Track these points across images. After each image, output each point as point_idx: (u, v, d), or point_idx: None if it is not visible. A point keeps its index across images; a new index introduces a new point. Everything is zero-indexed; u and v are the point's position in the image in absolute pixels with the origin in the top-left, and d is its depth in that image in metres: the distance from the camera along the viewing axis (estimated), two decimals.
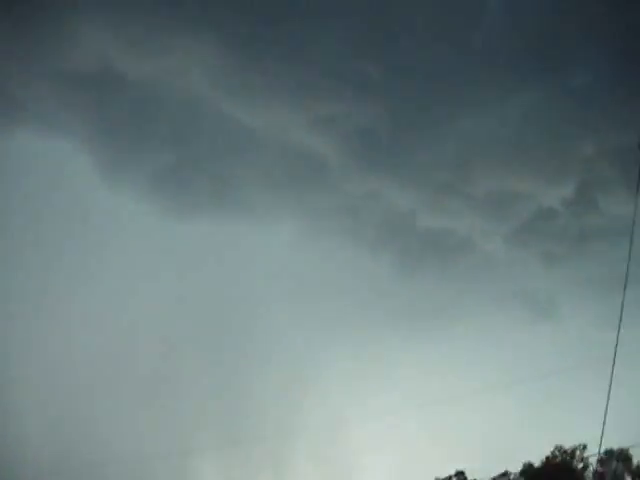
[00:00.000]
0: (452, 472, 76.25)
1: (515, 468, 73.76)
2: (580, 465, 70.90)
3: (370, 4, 62.42)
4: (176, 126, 76.41)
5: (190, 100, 74.28)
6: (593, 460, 69.55)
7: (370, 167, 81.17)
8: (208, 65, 69.01)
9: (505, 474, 74.30)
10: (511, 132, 75.69)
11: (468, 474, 75.80)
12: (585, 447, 68.78)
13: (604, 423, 10.17)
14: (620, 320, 9.19)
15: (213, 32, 63.89)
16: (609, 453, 69.24)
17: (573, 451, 70.23)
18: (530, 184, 79.76)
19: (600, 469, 70.03)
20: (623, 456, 69.15)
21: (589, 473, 70.76)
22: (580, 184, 77.16)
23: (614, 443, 65.48)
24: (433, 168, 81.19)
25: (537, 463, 72.09)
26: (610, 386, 9.57)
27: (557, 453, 71.06)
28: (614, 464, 70.35)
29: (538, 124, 74.00)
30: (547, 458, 71.11)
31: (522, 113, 75.08)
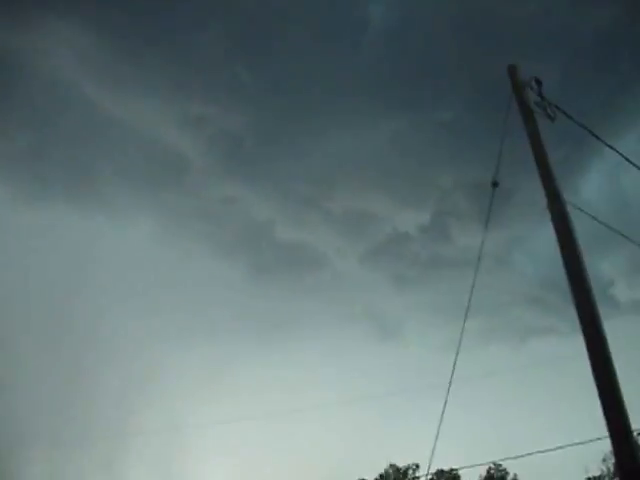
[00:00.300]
0: None
1: None
2: None
3: (253, 11, 62.09)
4: (37, 108, 72.45)
5: (56, 83, 70.61)
6: (425, 479, 72.00)
7: (233, 173, 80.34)
8: (79, 49, 65.95)
9: None
10: (376, 156, 77.68)
11: None
12: (418, 466, 70.96)
13: (435, 444, 10.17)
14: (459, 346, 9.20)
15: (89, 17, 61.30)
16: (439, 473, 71.84)
17: (406, 470, 72.30)
18: (389, 207, 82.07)
19: None
20: (452, 476, 71.96)
21: None
22: (436, 213, 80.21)
23: (445, 464, 68.09)
24: (296, 181, 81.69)
25: (371, 479, 73.68)
26: (444, 408, 9.57)
27: (390, 471, 72.93)
28: None
29: (402, 151, 76.41)
30: (380, 476, 72.84)
31: (388, 139, 77.27)
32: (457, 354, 9.25)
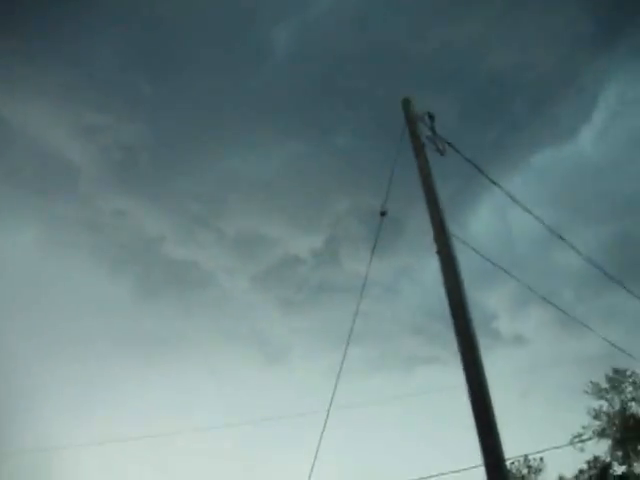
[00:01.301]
0: None
1: None
2: None
3: (156, 22, 61.11)
4: None
5: None
6: None
7: (125, 186, 78.28)
8: None
9: None
10: (272, 178, 77.80)
11: None
12: None
13: (311, 472, 10.13)
14: (339, 372, 9.23)
15: None
16: None
17: None
18: (282, 230, 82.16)
19: None
20: None
21: None
22: (329, 238, 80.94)
23: None
24: (189, 198, 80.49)
25: None
26: (321, 436, 9.56)
27: None
28: None
29: (298, 175, 76.86)
30: None
31: (285, 162, 77.66)
32: (337, 379, 9.29)
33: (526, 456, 59.95)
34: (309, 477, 9.82)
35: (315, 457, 9.71)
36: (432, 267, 8.58)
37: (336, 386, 9.32)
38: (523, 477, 62.88)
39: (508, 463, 8.02)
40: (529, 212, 10.04)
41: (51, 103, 69.30)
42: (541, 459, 62.07)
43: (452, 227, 8.58)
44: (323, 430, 9.58)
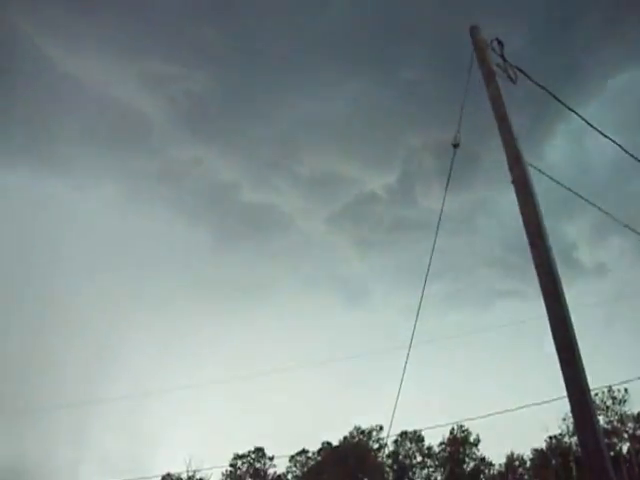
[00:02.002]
0: (252, 449, 77.11)
1: (315, 446, 75.99)
2: (376, 445, 74.23)
3: None
4: None
5: (10, 38, 67.77)
6: (389, 440, 73.23)
7: (197, 134, 79.25)
8: (33, 2, 63.56)
9: (303, 451, 76.27)
10: (341, 117, 77.32)
11: (268, 451, 76.93)
12: (381, 428, 71.92)
13: (395, 406, 10.28)
14: (419, 308, 9.23)
15: None
16: (403, 435, 73.09)
17: (370, 432, 73.39)
18: (356, 169, 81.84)
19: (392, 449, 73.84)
20: (416, 437, 73.23)
21: (385, 452, 74.41)
22: (402, 174, 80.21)
23: (410, 425, 69.36)
24: (262, 143, 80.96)
25: (335, 442, 74.71)
26: (404, 370, 9.64)
27: (355, 433, 73.99)
28: (407, 445, 74.30)
29: (367, 113, 76.16)
30: (345, 438, 73.84)
31: (354, 100, 76.89)
32: (417, 316, 9.29)
33: (610, 387, 59.49)
34: (393, 410, 9.99)
35: (398, 392, 9.84)
36: (509, 199, 8.40)
37: (416, 322, 9.35)
38: (607, 408, 62.50)
39: (592, 394, 7.94)
40: (607, 137, 9.65)
41: (117, 56, 69.77)
42: (625, 390, 61.37)
43: (527, 156, 8.35)
44: (405, 365, 9.66)
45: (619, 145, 9.75)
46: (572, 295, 7.95)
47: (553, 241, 7.92)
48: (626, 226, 10.49)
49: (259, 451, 75.86)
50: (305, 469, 75.35)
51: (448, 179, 9.01)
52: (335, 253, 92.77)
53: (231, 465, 75.75)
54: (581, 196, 9.22)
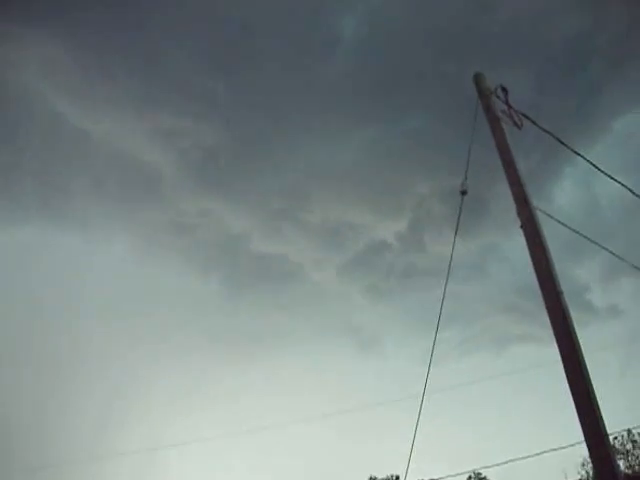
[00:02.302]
0: None
1: None
2: None
3: (229, 23, 61.93)
4: (5, 123, 71.17)
5: (23, 96, 69.30)
6: None
7: (207, 186, 79.80)
8: (46, 60, 64.82)
9: None
10: (350, 166, 77.94)
11: None
12: (397, 478, 70.63)
13: (410, 454, 10.15)
14: (431, 356, 9.19)
15: (56, 26, 60.24)
16: None
17: None
18: (366, 216, 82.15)
19: None
20: None
21: None
22: (412, 221, 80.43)
23: (425, 475, 68.21)
24: (271, 193, 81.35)
25: None
26: (418, 418, 9.55)
27: None
28: None
29: (375, 161, 76.77)
30: None
31: (361, 149, 77.66)
32: (430, 363, 9.25)
33: (629, 430, 58.42)
34: (409, 460, 9.88)
35: (413, 441, 9.74)
36: (519, 243, 8.43)
37: (429, 369, 9.30)
38: (627, 452, 61.30)
39: (611, 438, 7.82)
40: (613, 179, 9.69)
41: (127, 110, 71.09)
42: None
43: (535, 200, 8.40)
44: (419, 414, 9.58)
45: (626, 186, 9.79)
46: (586, 337, 7.90)
47: (564, 284, 7.91)
48: (636, 267, 10.48)
49: None
50: None
51: (457, 226, 9.07)
52: (347, 302, 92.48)
53: None
54: (589, 239, 9.23)
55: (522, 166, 8.57)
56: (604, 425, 7.37)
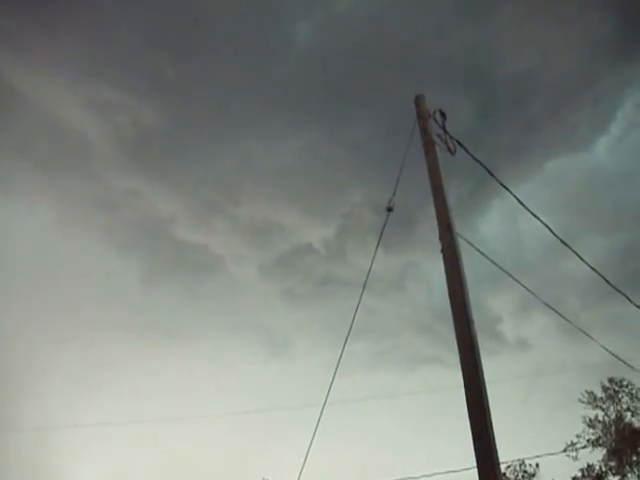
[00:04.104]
0: None
1: None
2: None
3: (186, 8, 61.00)
4: None
5: None
6: None
7: (138, 165, 78.09)
8: None
9: None
10: (285, 167, 77.73)
11: None
12: None
13: (303, 466, 10.17)
14: (337, 367, 9.24)
15: None
16: None
17: None
18: (295, 219, 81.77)
19: None
20: None
21: None
22: (339, 229, 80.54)
23: None
24: (203, 182, 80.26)
25: None
26: (316, 428, 9.58)
27: None
28: None
29: (311, 165, 76.81)
30: None
31: (301, 151, 77.61)
32: (335, 373, 9.29)
33: (523, 460, 60.05)
34: (301, 469, 9.89)
35: (308, 450, 9.75)
36: (440, 267, 8.55)
37: (333, 380, 9.32)
38: None
39: (504, 466, 8.00)
40: (537, 218, 9.97)
41: (68, 77, 69.01)
42: (537, 464, 62.08)
43: (460, 228, 8.54)
44: (317, 423, 9.60)
45: (547, 226, 10.06)
46: (493, 367, 8.06)
47: (478, 312, 8.06)
48: (547, 305, 10.79)
49: None
50: None
51: (378, 242, 9.16)
52: (263, 301, 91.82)
53: None
54: (506, 271, 9.44)
55: (452, 192, 8.70)
56: (496, 453, 7.50)
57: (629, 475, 55.96)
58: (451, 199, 8.70)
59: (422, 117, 8.87)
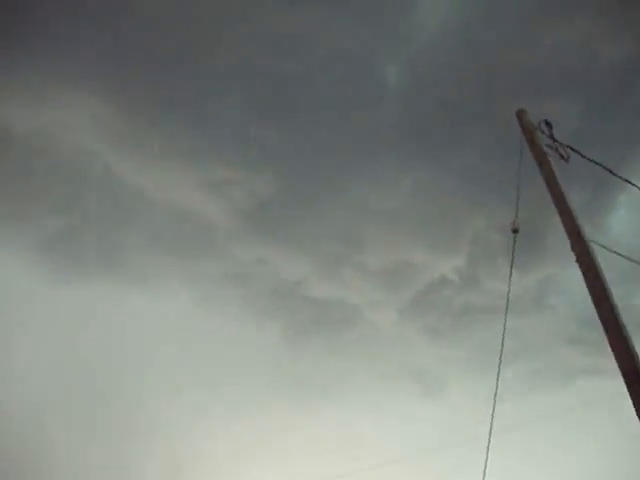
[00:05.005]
0: None
1: None
2: None
3: (273, 70, 62.93)
4: (65, 185, 72.97)
5: (79, 157, 71.01)
6: None
7: (260, 234, 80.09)
8: (97, 119, 66.64)
9: None
10: (403, 205, 77.61)
11: None
12: None
13: None
14: (495, 395, 9.11)
15: (105, 84, 62.08)
16: None
17: None
18: (424, 255, 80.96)
19: None
20: None
21: None
22: (470, 256, 79.14)
23: None
24: (325, 237, 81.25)
25: None
26: (486, 461, 9.45)
27: None
28: None
29: (428, 198, 76.31)
30: None
31: (413, 188, 77.43)
32: (494, 402, 9.15)
33: None
34: None
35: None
36: (578, 275, 8.32)
37: (494, 409, 9.20)
38: None
39: None
40: None
41: (180, 163, 72.25)
42: None
43: (591, 231, 8.31)
44: (487, 456, 9.46)
45: None
46: None
47: (629, 315, 7.77)
48: None
49: None
50: None
51: (511, 265, 9.04)
52: (407, 343, 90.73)
53: None
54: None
55: (575, 198, 8.50)
56: None
57: None
58: (575, 205, 8.52)
59: (527, 131, 8.78)
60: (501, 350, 9.51)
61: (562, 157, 8.74)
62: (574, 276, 8.08)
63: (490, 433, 9.32)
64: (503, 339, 9.36)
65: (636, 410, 7.30)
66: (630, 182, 9.33)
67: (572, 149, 8.79)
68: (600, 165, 8.94)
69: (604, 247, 8.24)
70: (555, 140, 8.74)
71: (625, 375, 7.47)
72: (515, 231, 8.91)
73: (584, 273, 7.96)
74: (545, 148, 8.75)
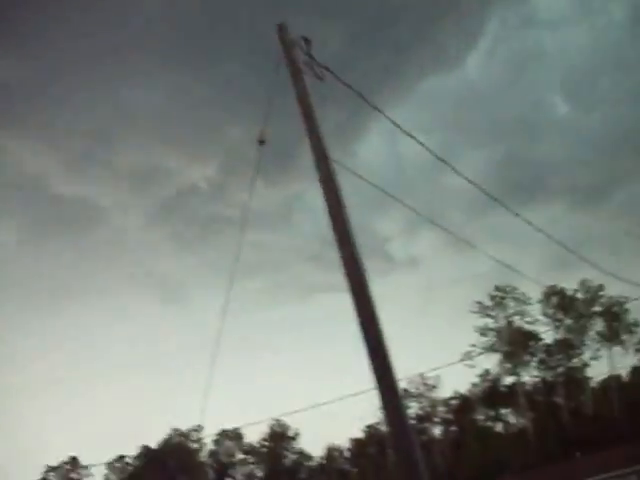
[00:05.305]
0: (65, 458, 73.36)
1: (132, 451, 73.85)
2: (196, 445, 73.42)
3: None
4: None
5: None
6: (209, 440, 72.81)
7: (2, 122, 74.09)
8: None
9: (122, 457, 73.92)
10: (160, 109, 75.47)
11: (83, 459, 73.46)
12: (202, 428, 70.94)
13: (204, 404, 10.22)
14: (226, 308, 9.22)
15: None
16: (223, 433, 72.96)
17: (189, 432, 72.40)
18: (176, 161, 79.61)
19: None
20: (235, 435, 73.33)
21: (206, 452, 73.94)
22: (222, 166, 79.02)
23: (228, 424, 69.59)
24: (74, 134, 76.96)
25: (154, 445, 73.05)
26: (212, 367, 9.60)
27: (174, 435, 72.70)
28: (227, 443, 74.29)
29: (186, 104, 74.90)
30: (164, 440, 72.43)
31: (171, 92, 75.44)
32: (225, 312, 9.26)
33: (422, 374, 62.70)
34: (202, 407, 9.96)
35: (207, 386, 9.79)
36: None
37: (224, 319, 9.30)
38: (420, 394, 65.89)
39: (405, 381, 8.22)
40: (413, 137, 10.04)
41: None
42: (437, 376, 65.06)
43: (339, 154, 8.49)
44: (213, 361, 9.61)
45: (423, 144, 10.19)
46: (387, 286, 8.19)
47: (366, 236, 8.14)
48: (430, 221, 11.06)
49: (73, 460, 72.48)
50: (124, 476, 73.02)
51: (253, 176, 9.05)
52: (153, 249, 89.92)
53: (43, 479, 71.68)
54: (387, 192, 9.52)
55: (329, 120, 8.61)
56: (393, 372, 7.67)
57: (522, 374, 59.81)
58: (328, 127, 8.63)
59: (286, 46, 8.68)
60: (237, 259, 9.60)
61: (317, 76, 8.76)
62: (321, 197, 8.24)
63: (218, 338, 9.46)
64: (239, 249, 9.44)
65: (359, 323, 7.75)
66: (379, 110, 9.64)
67: (328, 69, 8.84)
68: (353, 90, 9.10)
69: (349, 169, 8.48)
70: (312, 57, 8.72)
71: (352, 291, 7.87)
72: (261, 142, 8.86)
73: (325, 193, 8.15)
74: (302, 66, 8.71)
